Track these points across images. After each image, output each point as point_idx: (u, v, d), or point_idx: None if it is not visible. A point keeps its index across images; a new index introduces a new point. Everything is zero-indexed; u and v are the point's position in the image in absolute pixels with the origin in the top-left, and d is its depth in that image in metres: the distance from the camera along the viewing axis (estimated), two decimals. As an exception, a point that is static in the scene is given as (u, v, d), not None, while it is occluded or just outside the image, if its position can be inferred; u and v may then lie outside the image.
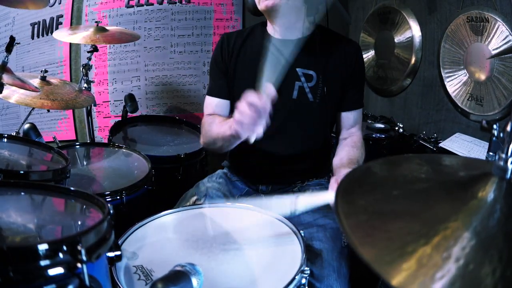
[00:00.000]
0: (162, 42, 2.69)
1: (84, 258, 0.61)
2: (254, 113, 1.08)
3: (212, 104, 1.51)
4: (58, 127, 2.62)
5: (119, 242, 1.03)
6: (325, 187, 1.49)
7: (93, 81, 2.17)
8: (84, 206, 0.85)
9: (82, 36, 1.90)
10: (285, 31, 1.42)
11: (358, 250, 0.49)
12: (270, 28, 1.47)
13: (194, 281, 0.75)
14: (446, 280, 0.45)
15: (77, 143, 1.96)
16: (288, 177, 1.52)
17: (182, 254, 1.02)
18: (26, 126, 1.76)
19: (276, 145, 1.46)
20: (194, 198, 1.43)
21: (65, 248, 0.61)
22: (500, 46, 1.78)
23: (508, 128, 0.57)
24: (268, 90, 1.09)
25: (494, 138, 1.00)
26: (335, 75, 1.42)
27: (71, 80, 2.52)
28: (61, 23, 2.46)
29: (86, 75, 2.00)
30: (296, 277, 0.92)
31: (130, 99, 2.26)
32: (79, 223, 0.83)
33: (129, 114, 2.30)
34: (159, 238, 1.09)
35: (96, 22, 1.99)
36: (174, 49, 2.73)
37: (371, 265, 0.46)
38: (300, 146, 1.49)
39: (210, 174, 1.64)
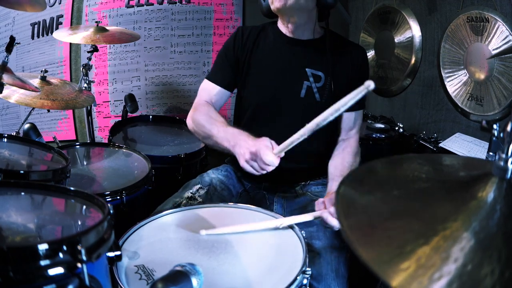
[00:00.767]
0: (162, 42, 2.69)
1: (84, 258, 0.61)
2: (259, 165, 1.17)
3: (212, 90, 1.51)
4: (58, 127, 2.62)
5: (119, 242, 1.03)
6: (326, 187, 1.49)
7: (93, 81, 2.17)
8: (84, 206, 0.85)
9: (82, 36, 1.90)
10: (296, 31, 1.46)
11: (357, 250, 0.49)
12: (282, 27, 1.50)
13: (194, 281, 0.75)
14: (445, 280, 0.45)
15: (77, 143, 1.96)
16: (292, 176, 1.53)
17: (183, 254, 1.02)
18: (26, 126, 1.76)
19: (281, 143, 1.46)
20: (198, 186, 1.44)
21: (65, 248, 0.61)
22: (500, 46, 1.78)
23: (508, 128, 0.57)
24: (279, 152, 1.17)
25: (494, 138, 1.00)
26: (342, 77, 1.46)
27: (71, 80, 2.52)
28: (61, 23, 2.46)
29: (86, 75, 2.00)
30: (298, 277, 0.92)
31: (130, 99, 2.26)
32: (79, 223, 0.83)
33: (129, 114, 2.30)
34: (160, 238, 1.09)
35: (96, 22, 1.99)
36: (174, 49, 2.73)
37: (369, 265, 0.46)
38: (305, 145, 1.49)
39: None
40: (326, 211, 1.15)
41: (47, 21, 2.44)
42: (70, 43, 2.48)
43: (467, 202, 0.55)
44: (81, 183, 1.58)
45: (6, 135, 1.36)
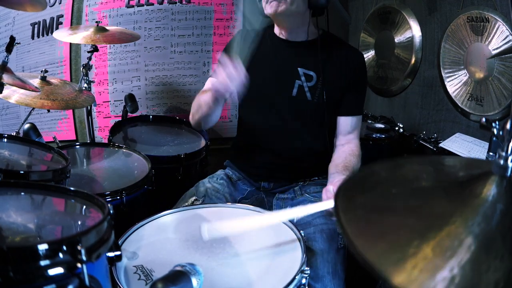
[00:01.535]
0: (162, 42, 2.68)
1: (84, 258, 0.61)
2: (229, 71, 1.23)
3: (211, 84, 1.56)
4: (58, 127, 2.62)
5: (119, 242, 1.03)
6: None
7: (93, 81, 2.17)
8: (84, 206, 0.85)
9: (82, 36, 1.90)
10: (290, 34, 1.49)
11: (356, 249, 0.49)
12: (276, 30, 1.54)
13: (194, 281, 0.75)
14: (446, 279, 0.45)
15: (77, 143, 1.96)
16: (290, 175, 1.53)
17: (182, 254, 1.02)
18: (26, 126, 1.76)
19: (277, 141, 1.52)
20: (193, 198, 1.44)
21: (65, 248, 0.61)
22: (500, 46, 1.78)
23: (508, 126, 0.57)
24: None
25: (494, 138, 1.00)
26: (335, 78, 1.47)
27: (71, 80, 2.52)
28: (61, 23, 2.46)
29: (86, 75, 2.00)
30: (297, 277, 0.92)
31: (130, 99, 2.26)
32: (79, 223, 0.83)
33: (129, 114, 2.30)
34: (159, 238, 1.09)
35: (96, 22, 1.99)
36: (174, 49, 2.72)
37: (369, 264, 0.46)
38: (300, 143, 1.53)
39: (210, 174, 1.65)
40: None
41: (47, 21, 2.44)
42: (70, 43, 2.48)
43: (467, 201, 0.55)
44: (81, 183, 1.58)
45: (6, 135, 1.36)
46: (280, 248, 1.06)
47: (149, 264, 0.97)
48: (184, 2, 2.66)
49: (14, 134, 1.78)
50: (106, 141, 2.39)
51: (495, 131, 0.92)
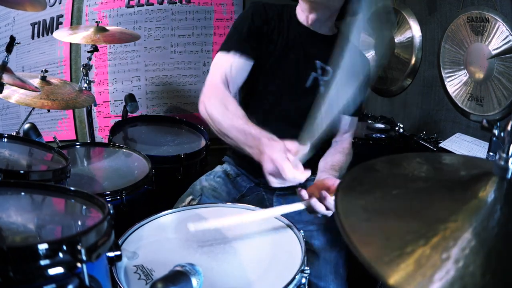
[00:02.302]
0: (162, 42, 2.69)
1: (84, 258, 0.61)
2: (283, 180, 1.06)
3: (228, 62, 1.32)
4: (58, 127, 2.62)
5: (119, 242, 1.03)
6: None
7: (93, 81, 2.17)
8: (84, 206, 0.85)
9: (82, 36, 1.90)
10: (315, 24, 1.44)
11: (355, 249, 0.49)
12: (301, 16, 1.46)
13: (194, 281, 0.75)
14: (444, 280, 0.45)
15: (77, 143, 1.96)
16: None
17: (182, 254, 1.02)
18: (26, 126, 1.76)
19: (281, 133, 1.41)
20: (189, 198, 1.41)
21: (65, 248, 0.60)
22: (500, 46, 1.78)
23: (509, 128, 0.57)
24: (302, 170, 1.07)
25: (494, 138, 1.00)
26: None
27: (71, 80, 2.52)
28: (61, 23, 2.46)
29: (86, 75, 2.00)
30: (296, 276, 0.92)
31: (130, 99, 2.26)
32: (79, 223, 0.83)
33: (129, 114, 2.30)
34: (159, 238, 1.09)
35: (96, 22, 1.99)
36: (174, 49, 2.73)
37: (368, 265, 0.46)
38: (306, 135, 1.50)
39: (210, 173, 1.63)
40: (314, 198, 1.13)
41: (47, 21, 2.44)
42: (70, 43, 2.49)
43: (467, 202, 0.55)
44: (81, 183, 1.58)
45: (6, 135, 1.36)
46: (280, 248, 1.06)
47: (149, 264, 0.97)
48: (184, 2, 2.66)
49: (14, 134, 1.78)
50: (106, 141, 2.40)
51: (496, 132, 0.92)
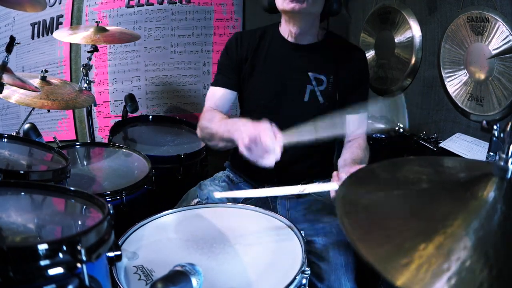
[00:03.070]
0: (162, 42, 2.68)
1: (84, 258, 0.61)
2: (259, 151, 1.11)
3: (216, 95, 1.52)
4: (58, 127, 2.62)
5: (119, 242, 1.03)
6: None
7: (93, 81, 2.17)
8: (84, 206, 0.85)
9: (82, 36, 1.90)
10: (299, 36, 1.46)
11: (359, 249, 0.49)
12: (284, 31, 1.49)
13: (194, 281, 0.75)
14: (446, 278, 0.45)
15: (77, 143, 1.96)
16: (293, 177, 1.52)
17: (182, 254, 1.02)
18: (26, 126, 1.76)
19: (286, 149, 1.41)
20: (196, 200, 1.42)
21: (65, 248, 0.60)
22: (500, 46, 1.78)
23: (508, 128, 0.57)
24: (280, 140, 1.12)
25: (494, 138, 1.00)
26: (344, 79, 1.47)
27: (71, 80, 2.52)
28: (61, 23, 2.46)
29: (86, 75, 2.00)
30: (297, 277, 0.92)
31: (130, 99, 2.26)
32: (79, 223, 0.83)
33: (129, 114, 2.30)
34: (159, 238, 1.09)
35: (96, 22, 1.99)
36: (174, 49, 2.72)
37: (372, 264, 0.46)
38: (311, 150, 1.51)
39: (210, 173, 1.64)
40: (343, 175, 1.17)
41: (47, 21, 2.44)
42: (70, 43, 2.48)
43: (467, 202, 0.55)
44: (81, 183, 1.58)
45: (6, 135, 1.36)
46: (280, 248, 1.06)
47: (149, 264, 0.97)
48: (184, 2, 2.65)
49: (14, 134, 1.78)
50: (106, 141, 2.40)
51: (495, 133, 0.92)
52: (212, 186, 1.51)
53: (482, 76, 1.89)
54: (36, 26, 2.43)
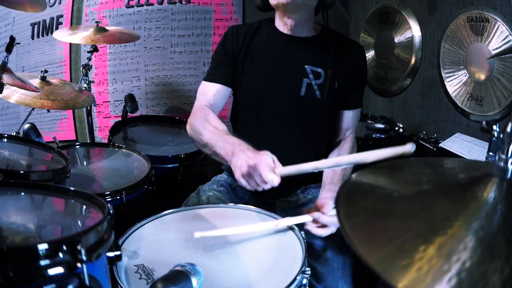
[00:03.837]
0: (162, 42, 2.69)
1: (84, 258, 0.61)
2: (257, 181, 1.09)
3: (211, 91, 1.44)
4: (58, 127, 2.62)
5: (119, 242, 1.03)
6: None
7: (93, 81, 2.17)
8: (84, 206, 0.85)
9: (82, 36, 1.90)
10: (295, 29, 1.42)
11: (359, 252, 0.49)
12: (279, 25, 1.45)
13: (194, 281, 0.75)
14: (448, 280, 0.45)
15: (77, 143, 1.96)
16: (289, 182, 1.50)
17: (183, 253, 1.02)
18: (26, 126, 1.76)
19: (282, 145, 1.41)
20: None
21: (65, 248, 0.60)
22: (500, 46, 1.78)
23: (508, 129, 0.57)
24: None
25: (494, 139, 1.00)
26: (342, 73, 1.42)
27: (71, 80, 2.52)
28: (61, 23, 2.46)
29: (86, 75, 2.00)
30: (297, 277, 0.92)
31: (130, 99, 2.26)
32: (79, 223, 0.83)
33: (129, 114, 2.30)
34: (160, 238, 1.09)
35: (96, 22, 1.99)
36: (174, 49, 2.73)
37: (372, 266, 0.46)
38: (306, 144, 1.47)
39: (210, 174, 1.63)
40: (316, 213, 1.15)
41: (47, 21, 2.44)
42: (70, 43, 2.48)
43: (467, 203, 0.55)
44: (81, 183, 1.58)
45: (6, 135, 1.36)
46: (280, 248, 1.06)
47: (150, 263, 0.97)
48: (184, 2, 2.66)
49: (14, 134, 1.78)
50: (106, 141, 2.40)
51: (495, 133, 0.92)
52: (211, 191, 1.49)
53: (482, 76, 1.89)
54: (36, 26, 2.44)
